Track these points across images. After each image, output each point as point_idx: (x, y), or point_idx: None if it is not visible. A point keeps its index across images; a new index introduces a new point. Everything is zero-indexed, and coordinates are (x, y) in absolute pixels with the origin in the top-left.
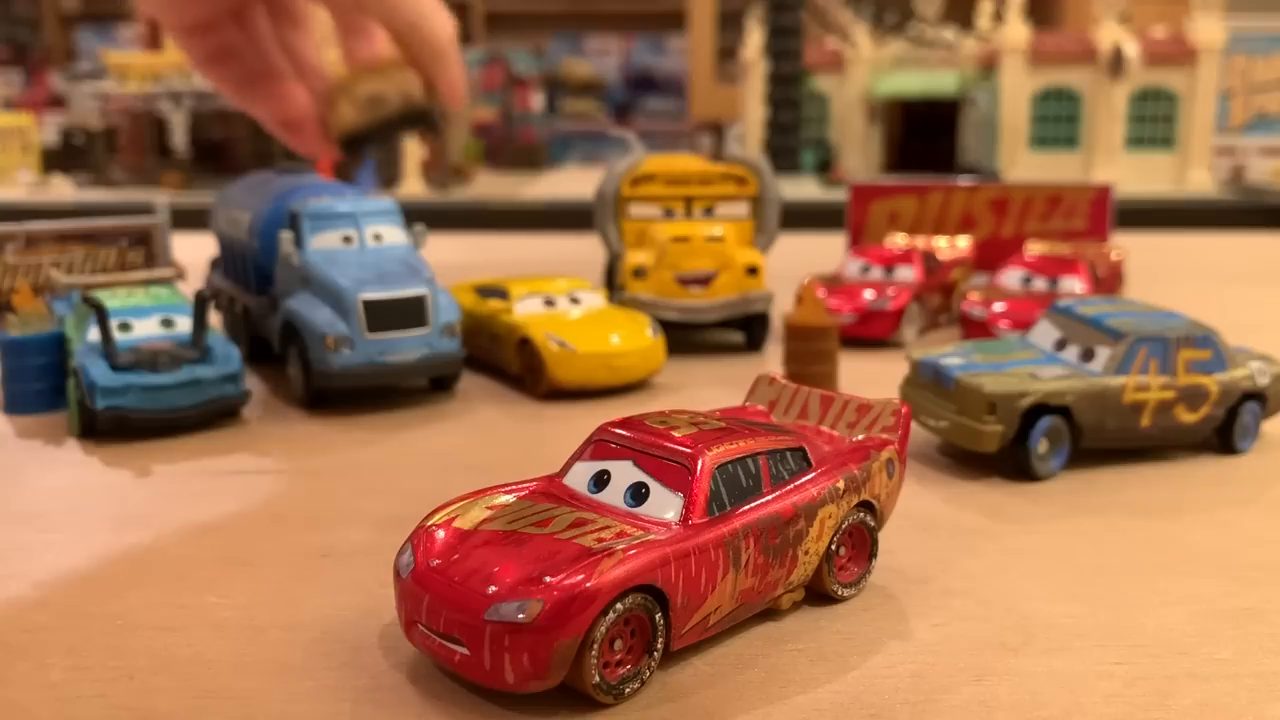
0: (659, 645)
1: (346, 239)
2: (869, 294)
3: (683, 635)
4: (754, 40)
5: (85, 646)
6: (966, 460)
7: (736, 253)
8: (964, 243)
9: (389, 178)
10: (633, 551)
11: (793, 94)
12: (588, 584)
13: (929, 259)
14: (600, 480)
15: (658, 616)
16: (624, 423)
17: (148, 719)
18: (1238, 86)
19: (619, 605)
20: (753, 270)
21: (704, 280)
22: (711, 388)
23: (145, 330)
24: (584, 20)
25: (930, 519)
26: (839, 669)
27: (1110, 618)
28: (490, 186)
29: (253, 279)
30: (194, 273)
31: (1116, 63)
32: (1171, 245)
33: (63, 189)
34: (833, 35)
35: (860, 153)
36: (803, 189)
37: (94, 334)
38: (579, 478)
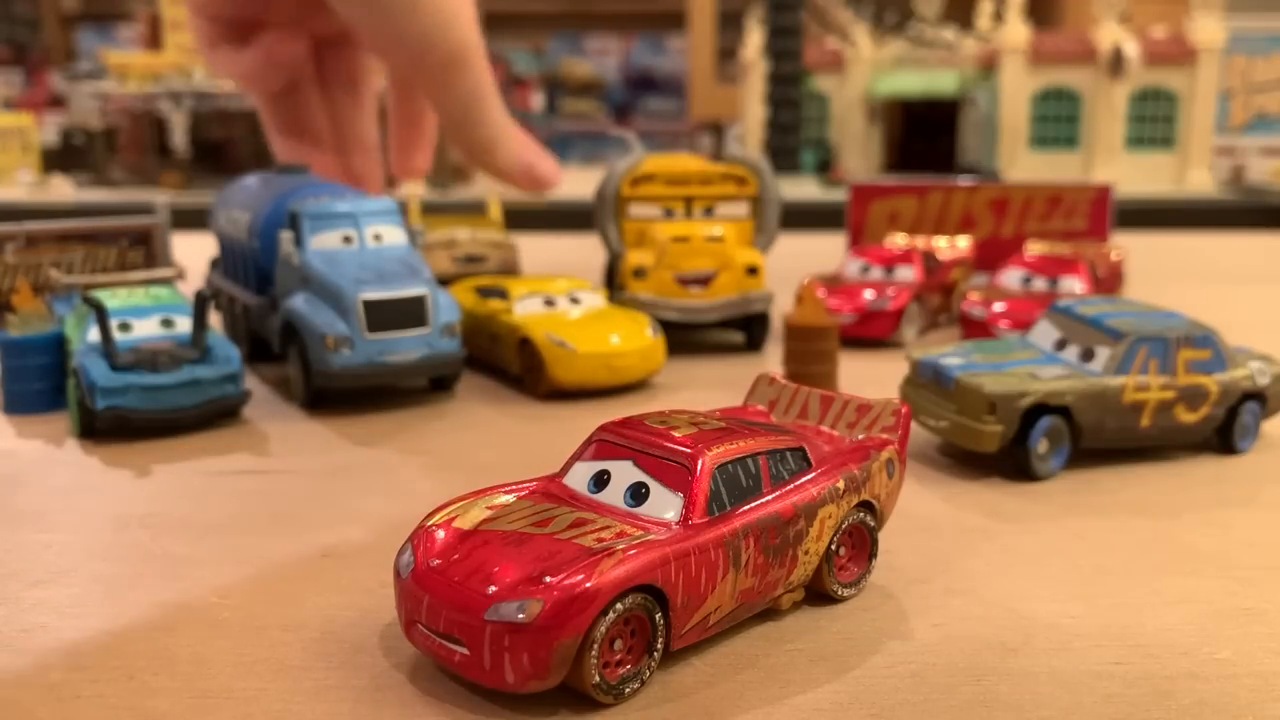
0: (659, 645)
1: (346, 239)
2: (869, 294)
3: (683, 635)
4: (754, 40)
5: (85, 646)
6: (966, 460)
7: (736, 253)
8: (964, 243)
9: (389, 178)
10: (633, 551)
11: (793, 94)
12: (588, 584)
13: (929, 259)
14: (600, 480)
15: (658, 616)
16: (624, 423)
17: (148, 719)
18: (1238, 86)
19: (619, 605)
20: (753, 270)
21: (704, 280)
22: (711, 388)
23: (145, 330)
24: (584, 20)
25: (930, 519)
26: (839, 669)
27: (1110, 618)
28: (490, 186)
29: (253, 279)
30: (194, 273)
31: (1116, 63)
32: (1171, 245)
33: (63, 189)
34: (833, 35)
35: (860, 153)
36: (803, 189)
37: (94, 334)
38: (579, 478)
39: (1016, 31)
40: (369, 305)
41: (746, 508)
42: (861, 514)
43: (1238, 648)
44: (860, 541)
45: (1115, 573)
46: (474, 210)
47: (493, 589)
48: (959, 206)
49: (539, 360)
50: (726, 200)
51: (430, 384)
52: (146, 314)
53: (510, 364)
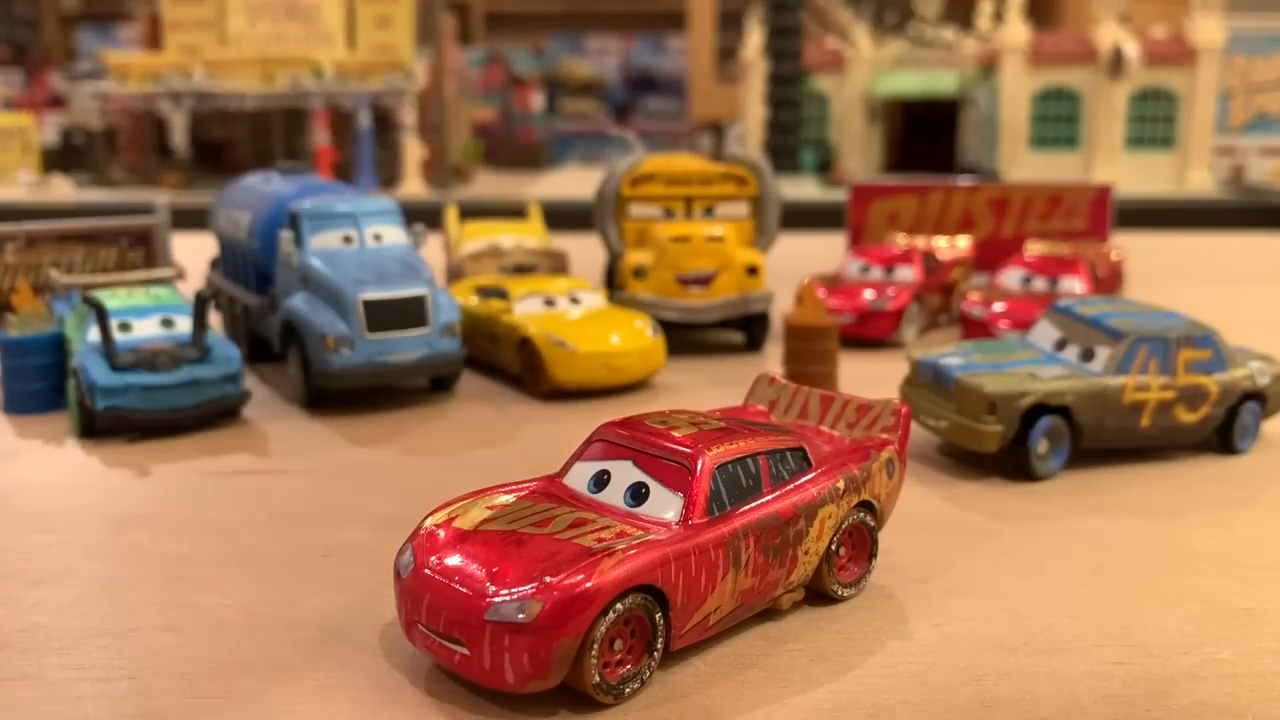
0: (659, 645)
1: (346, 239)
2: (869, 294)
3: (683, 635)
4: (754, 40)
5: (85, 646)
6: (966, 460)
7: (736, 253)
8: (964, 243)
9: (389, 178)
10: (633, 551)
11: (793, 94)
12: (588, 584)
13: (929, 259)
14: (600, 480)
15: (658, 616)
16: (624, 423)
17: (148, 719)
18: (1238, 86)
19: (619, 605)
20: (753, 270)
21: (704, 280)
22: (711, 388)
23: (145, 330)
24: (584, 20)
25: (930, 519)
26: (839, 669)
27: (1110, 618)
28: (490, 186)
29: (253, 279)
30: (194, 273)
31: (1116, 63)
32: (1171, 245)
33: (63, 189)
34: (833, 35)
35: (860, 153)
36: (803, 189)
37: (94, 334)
38: (579, 478)
39: (1016, 31)
40: (369, 305)
41: (746, 508)
42: (861, 514)
43: (1238, 648)
44: (860, 541)
45: (1115, 573)
46: (514, 215)
47: (493, 589)
48: (959, 206)
49: (539, 360)
50: (726, 200)
51: (430, 384)
52: (146, 314)
53: (510, 364)
